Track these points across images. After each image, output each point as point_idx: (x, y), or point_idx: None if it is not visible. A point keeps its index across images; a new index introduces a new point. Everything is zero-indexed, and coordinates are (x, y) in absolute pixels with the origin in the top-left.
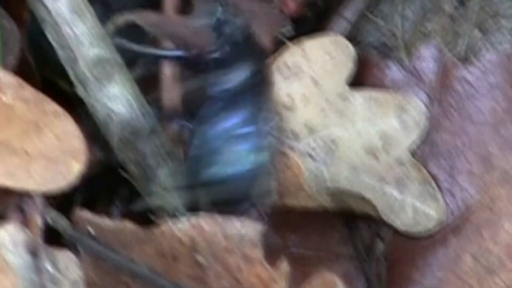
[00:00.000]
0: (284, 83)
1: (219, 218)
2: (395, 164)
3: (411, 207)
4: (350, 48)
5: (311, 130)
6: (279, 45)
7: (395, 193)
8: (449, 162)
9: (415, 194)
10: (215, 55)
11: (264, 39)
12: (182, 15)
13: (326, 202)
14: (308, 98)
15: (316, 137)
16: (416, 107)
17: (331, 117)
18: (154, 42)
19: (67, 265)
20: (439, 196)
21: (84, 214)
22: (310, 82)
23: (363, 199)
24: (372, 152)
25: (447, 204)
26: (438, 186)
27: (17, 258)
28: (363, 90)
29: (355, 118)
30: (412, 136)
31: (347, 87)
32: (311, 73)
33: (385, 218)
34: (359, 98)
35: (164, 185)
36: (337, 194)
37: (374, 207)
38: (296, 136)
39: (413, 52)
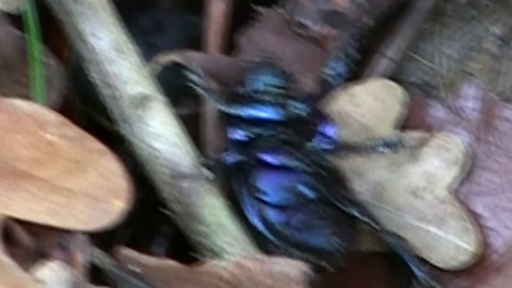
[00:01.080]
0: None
1: (263, 257)
2: (436, 202)
3: (448, 243)
4: (399, 92)
5: (359, 175)
6: (323, 84)
7: (434, 230)
8: (493, 200)
9: (452, 230)
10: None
11: (308, 78)
12: (225, 54)
13: (370, 244)
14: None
15: (363, 182)
16: (458, 145)
17: (378, 161)
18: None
19: None
20: (475, 230)
21: (127, 252)
22: (359, 127)
23: (400, 238)
24: (415, 192)
25: (491, 243)
26: (482, 224)
27: None
28: (408, 132)
29: (400, 160)
30: (453, 174)
31: (394, 130)
32: (360, 118)
33: (424, 256)
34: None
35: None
36: (379, 236)
37: (412, 246)
38: None
39: (456, 91)
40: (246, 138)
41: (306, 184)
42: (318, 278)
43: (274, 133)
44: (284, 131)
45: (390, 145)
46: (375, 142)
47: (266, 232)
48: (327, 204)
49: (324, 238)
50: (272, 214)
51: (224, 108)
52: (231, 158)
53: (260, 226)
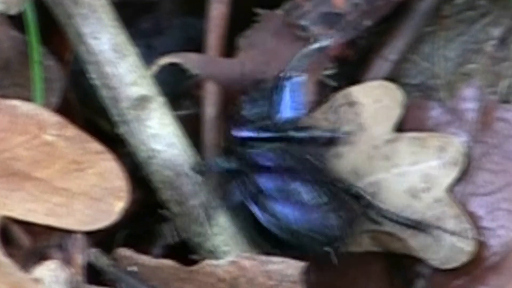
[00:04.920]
0: (330, 132)
1: (260, 257)
2: (434, 203)
3: (446, 243)
4: (399, 94)
5: (358, 176)
6: (323, 87)
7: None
8: (490, 200)
9: (450, 231)
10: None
11: (308, 82)
12: (226, 57)
13: (368, 245)
14: (355, 144)
15: (362, 182)
16: (456, 146)
17: (376, 162)
18: (197, 83)
19: None
20: (472, 230)
21: (125, 252)
22: (357, 129)
23: (400, 239)
24: (413, 193)
25: (487, 242)
26: (479, 224)
27: None
28: (407, 133)
29: (399, 161)
30: (451, 175)
31: (393, 132)
32: (358, 120)
33: (421, 256)
34: (403, 142)
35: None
36: (377, 236)
37: (410, 246)
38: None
39: (454, 92)
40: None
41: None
42: (316, 278)
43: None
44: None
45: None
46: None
47: (270, 225)
48: (323, 186)
49: (326, 221)
50: (272, 206)
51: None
52: (227, 161)
53: (264, 219)
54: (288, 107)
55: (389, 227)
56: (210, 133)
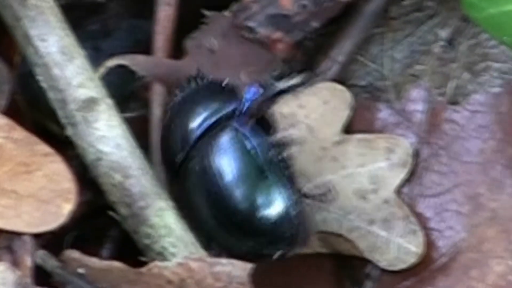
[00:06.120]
0: (280, 133)
1: (207, 258)
2: (383, 204)
3: (395, 245)
4: (347, 95)
5: (306, 177)
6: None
7: (381, 232)
8: (437, 201)
9: (399, 232)
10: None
11: (255, 82)
12: (172, 58)
13: (317, 246)
14: (304, 146)
15: (310, 184)
16: (405, 148)
17: (325, 163)
18: (145, 85)
19: None
20: (420, 231)
21: (73, 254)
22: (306, 130)
23: (348, 240)
24: (361, 195)
25: (435, 243)
26: (426, 225)
27: None
28: (355, 134)
29: (347, 162)
30: (400, 176)
31: (341, 133)
32: (307, 121)
33: (369, 257)
34: (351, 143)
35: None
36: (326, 237)
37: (358, 248)
38: None
39: (402, 93)
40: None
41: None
42: (263, 279)
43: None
44: None
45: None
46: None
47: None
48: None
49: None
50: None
51: None
52: None
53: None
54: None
55: (337, 228)
56: (158, 135)
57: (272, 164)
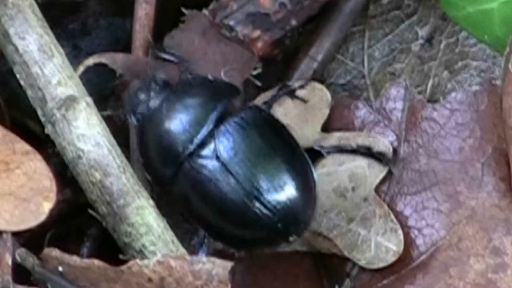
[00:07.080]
0: None
1: (187, 256)
2: (362, 203)
3: (374, 243)
4: (326, 93)
5: None
6: (249, 87)
7: (360, 230)
8: (416, 200)
9: (378, 230)
10: None
11: (235, 81)
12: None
13: (297, 245)
14: None
15: None
16: (383, 146)
17: None
18: (124, 83)
19: None
20: (399, 229)
21: (53, 252)
22: None
23: (327, 239)
24: (341, 192)
25: (414, 242)
26: (405, 223)
27: None
28: (334, 133)
29: (326, 161)
30: (379, 175)
31: (320, 132)
32: (286, 120)
33: (349, 256)
34: (330, 142)
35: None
36: (305, 236)
37: (337, 246)
38: None
39: (382, 92)
40: None
41: None
42: (243, 277)
43: None
44: None
45: None
46: None
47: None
48: None
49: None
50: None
51: None
52: None
53: None
54: None
55: (316, 226)
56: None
57: None
